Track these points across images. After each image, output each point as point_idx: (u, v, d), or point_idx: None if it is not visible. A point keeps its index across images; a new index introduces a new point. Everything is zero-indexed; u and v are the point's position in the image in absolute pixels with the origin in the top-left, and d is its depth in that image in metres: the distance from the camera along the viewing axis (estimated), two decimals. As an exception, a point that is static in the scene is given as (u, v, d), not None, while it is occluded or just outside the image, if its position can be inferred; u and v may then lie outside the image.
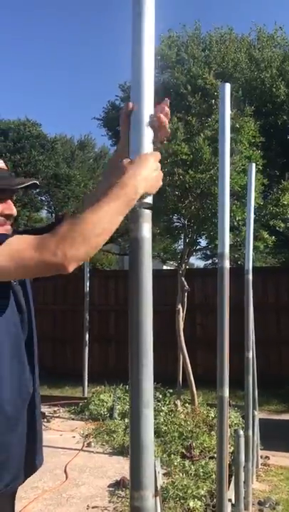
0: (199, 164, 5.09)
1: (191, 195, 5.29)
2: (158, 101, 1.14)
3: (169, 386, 6.25)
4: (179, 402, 6.16)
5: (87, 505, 3.53)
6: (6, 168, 1.44)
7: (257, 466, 4.75)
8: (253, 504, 3.85)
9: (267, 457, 5.25)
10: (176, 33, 13.50)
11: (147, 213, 1.13)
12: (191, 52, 12.45)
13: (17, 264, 1.13)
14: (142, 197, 1.12)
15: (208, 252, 15.69)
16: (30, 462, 1.39)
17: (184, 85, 10.24)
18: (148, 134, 1.11)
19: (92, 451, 4.88)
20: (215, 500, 3.49)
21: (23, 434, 1.35)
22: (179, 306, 6.18)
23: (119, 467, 4.48)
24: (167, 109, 1.12)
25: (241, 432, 3.18)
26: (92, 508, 3.50)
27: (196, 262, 20.42)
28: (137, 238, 1.10)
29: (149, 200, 1.15)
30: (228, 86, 2.57)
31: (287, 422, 7.26)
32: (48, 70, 50.02)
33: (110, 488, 3.99)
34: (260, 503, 3.96)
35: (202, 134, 5.23)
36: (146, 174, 1.08)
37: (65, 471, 4.31)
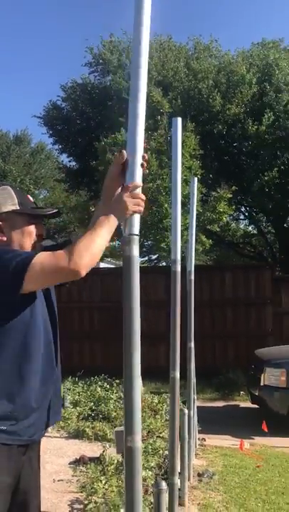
0: (147, 175, 5.58)
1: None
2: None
3: (115, 377, 6.74)
4: (125, 391, 6.65)
5: (54, 479, 3.95)
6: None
7: (196, 446, 5.34)
8: (193, 476, 4.43)
9: (203, 439, 5.87)
10: (117, 38, 13.84)
11: (136, 238, 1.60)
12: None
13: (42, 274, 1.61)
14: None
15: (144, 249, 16.32)
16: (52, 418, 1.87)
17: (125, 91, 10.67)
18: (139, 171, 1.57)
19: (50, 436, 5.26)
20: (162, 470, 4.04)
21: (47, 402, 1.82)
22: (126, 303, 6.64)
23: (77, 448, 4.93)
24: (146, 156, 1.58)
25: (186, 411, 3.73)
26: (58, 481, 3.93)
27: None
28: (130, 256, 1.57)
29: (136, 231, 1.62)
30: (179, 120, 3.07)
31: (221, 408, 7.99)
32: (-18, 61, 48.62)
33: (72, 465, 4.43)
34: (199, 475, 4.54)
35: (149, 146, 5.73)
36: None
37: (28, 453, 4.68)
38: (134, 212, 1.56)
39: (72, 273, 1.58)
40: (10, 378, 1.70)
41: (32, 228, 1.86)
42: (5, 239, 1.81)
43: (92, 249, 1.58)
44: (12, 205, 1.84)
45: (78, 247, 1.58)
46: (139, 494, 1.56)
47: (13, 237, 1.82)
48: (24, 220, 1.85)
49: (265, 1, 39.65)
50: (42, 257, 1.62)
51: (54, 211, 1.95)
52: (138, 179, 1.59)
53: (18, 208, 1.84)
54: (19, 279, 1.59)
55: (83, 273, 1.59)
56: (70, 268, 1.57)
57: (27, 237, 1.84)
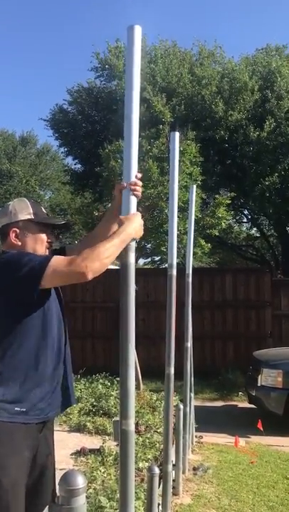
0: (148, 182, 5.84)
1: (141, 207, 6.03)
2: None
3: (116, 375, 6.97)
4: (125, 389, 6.88)
5: (56, 468, 4.19)
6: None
7: (192, 443, 5.55)
8: (188, 470, 4.65)
9: (201, 436, 6.07)
10: (123, 43, 14.06)
11: (133, 247, 1.84)
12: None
13: (56, 274, 1.86)
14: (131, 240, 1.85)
15: (148, 251, 16.59)
16: (66, 400, 2.12)
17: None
18: (133, 199, 1.83)
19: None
20: (158, 462, 4.26)
21: (59, 384, 2.07)
22: (128, 304, 6.89)
23: (78, 441, 5.18)
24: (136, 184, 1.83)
25: (181, 406, 3.95)
26: (60, 469, 4.13)
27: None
28: (126, 263, 1.80)
29: (133, 242, 1.86)
30: (177, 135, 3.31)
31: (219, 408, 8.18)
32: (-11, 62, 49.03)
33: (73, 456, 4.69)
34: (194, 469, 4.76)
35: (151, 153, 5.97)
36: (135, 226, 1.83)
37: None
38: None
39: (80, 276, 1.83)
40: (28, 366, 1.94)
41: (44, 236, 2.14)
42: (20, 244, 2.09)
43: (103, 257, 1.81)
44: (28, 214, 2.12)
45: (91, 253, 1.82)
46: (132, 473, 1.79)
47: (27, 242, 2.09)
48: (37, 229, 2.13)
49: (271, 7, 39.81)
50: (56, 261, 1.87)
51: (64, 222, 2.27)
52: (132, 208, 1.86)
53: (33, 217, 2.12)
54: (37, 279, 1.85)
55: (90, 277, 1.82)
56: (79, 272, 1.81)
57: (39, 243, 2.12)
